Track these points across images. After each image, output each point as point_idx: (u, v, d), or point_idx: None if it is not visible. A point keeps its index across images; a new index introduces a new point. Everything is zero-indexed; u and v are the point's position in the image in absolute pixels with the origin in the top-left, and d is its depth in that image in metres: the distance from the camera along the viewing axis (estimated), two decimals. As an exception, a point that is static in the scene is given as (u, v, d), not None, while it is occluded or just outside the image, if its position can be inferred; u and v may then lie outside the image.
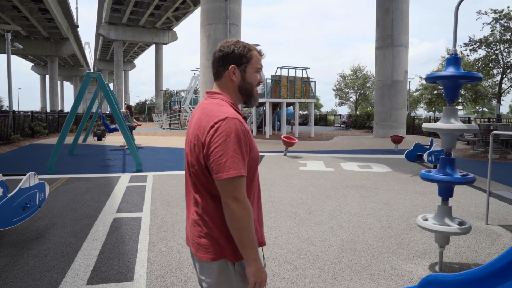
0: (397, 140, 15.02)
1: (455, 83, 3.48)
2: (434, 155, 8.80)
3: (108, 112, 40.14)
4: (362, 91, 50.20)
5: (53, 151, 9.27)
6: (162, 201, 6.35)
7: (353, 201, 6.56)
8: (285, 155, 13.07)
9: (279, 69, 21.41)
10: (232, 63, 1.63)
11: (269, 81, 21.24)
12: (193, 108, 28.59)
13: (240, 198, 1.47)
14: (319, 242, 4.47)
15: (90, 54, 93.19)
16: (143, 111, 54.82)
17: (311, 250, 4.21)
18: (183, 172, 9.26)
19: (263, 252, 1.79)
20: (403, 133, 22.97)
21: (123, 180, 8.17)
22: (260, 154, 13.56)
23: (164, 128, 31.61)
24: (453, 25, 3.68)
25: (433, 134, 24.11)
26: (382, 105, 23.39)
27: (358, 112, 42.56)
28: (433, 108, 38.41)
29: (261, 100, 21.70)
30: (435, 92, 32.40)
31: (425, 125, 3.66)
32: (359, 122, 35.36)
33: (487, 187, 5.27)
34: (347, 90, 51.26)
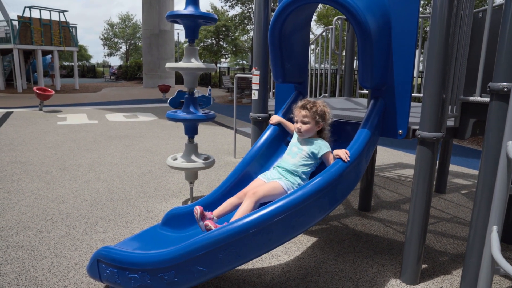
0: (164, 89, 15.22)
1: (195, 22, 3.51)
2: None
3: None
4: (133, 41, 48.47)
5: None
6: None
7: (115, 151, 6.26)
8: (40, 109, 11.37)
9: (27, 9, 18.00)
10: None
11: (15, 22, 17.70)
12: None
13: None
14: (71, 199, 4.05)
15: None
16: None
17: (60, 209, 3.77)
18: None
19: None
20: (172, 82, 23.52)
21: None
22: (8, 110, 11.38)
23: None
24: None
25: (206, 84, 25.68)
26: (151, 55, 23.15)
27: (128, 63, 41.07)
28: (202, 61, 40.73)
29: (6, 46, 17.97)
30: (202, 44, 34.22)
31: (168, 64, 3.63)
32: (129, 73, 34.27)
33: (233, 126, 5.88)
34: (116, 40, 48.47)
